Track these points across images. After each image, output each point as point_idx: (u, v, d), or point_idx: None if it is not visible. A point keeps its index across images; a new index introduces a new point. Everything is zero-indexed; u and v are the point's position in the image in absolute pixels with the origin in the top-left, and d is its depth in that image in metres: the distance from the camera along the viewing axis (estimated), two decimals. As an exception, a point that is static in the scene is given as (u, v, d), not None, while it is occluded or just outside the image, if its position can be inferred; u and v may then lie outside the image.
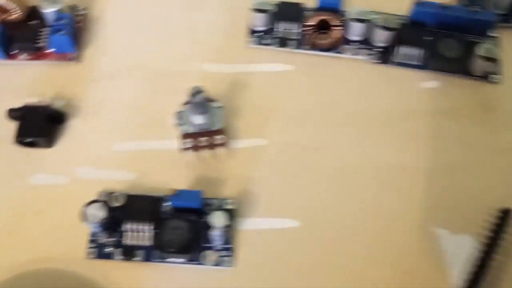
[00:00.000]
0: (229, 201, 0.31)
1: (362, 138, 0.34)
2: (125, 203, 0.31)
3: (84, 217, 0.28)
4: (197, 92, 0.30)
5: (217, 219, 0.28)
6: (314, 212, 0.31)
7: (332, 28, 0.35)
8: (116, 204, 0.31)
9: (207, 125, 0.32)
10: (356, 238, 0.31)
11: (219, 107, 0.33)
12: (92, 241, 0.30)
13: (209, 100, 0.32)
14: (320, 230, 0.31)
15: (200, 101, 0.30)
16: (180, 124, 0.33)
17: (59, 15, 0.35)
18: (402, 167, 0.33)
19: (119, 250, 0.30)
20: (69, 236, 0.30)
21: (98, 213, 0.29)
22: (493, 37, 0.36)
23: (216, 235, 0.29)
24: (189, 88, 0.30)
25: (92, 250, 0.30)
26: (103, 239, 0.30)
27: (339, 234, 0.31)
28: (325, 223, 0.31)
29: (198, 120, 0.32)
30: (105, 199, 0.31)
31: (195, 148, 0.32)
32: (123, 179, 0.32)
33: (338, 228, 0.31)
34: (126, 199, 0.31)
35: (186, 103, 0.33)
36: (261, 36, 0.37)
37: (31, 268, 0.30)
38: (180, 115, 0.33)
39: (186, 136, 0.32)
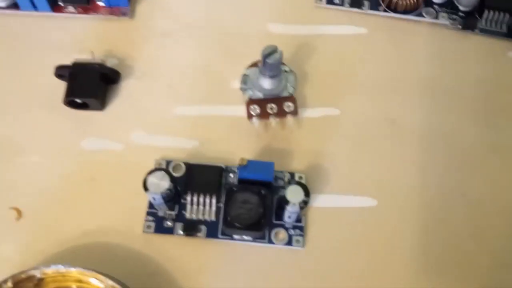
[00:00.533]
0: (300, 175, 0.28)
1: (442, 111, 0.31)
2: (185, 173, 0.28)
3: (146, 187, 0.26)
4: (271, 51, 0.27)
5: (294, 195, 0.26)
6: (392, 190, 0.29)
7: (414, -13, 0.32)
8: (176, 174, 0.28)
9: (276, 91, 0.29)
10: (440, 218, 0.28)
11: (289, 71, 0.29)
12: (150, 213, 0.28)
13: (282, 63, 0.29)
14: (399, 209, 0.28)
15: (274, 63, 0.27)
16: (245, 89, 0.30)
17: (112, -36, 0.32)
18: (489, 144, 0.30)
19: (180, 225, 0.27)
20: (124, 208, 0.28)
21: (161, 182, 0.26)
22: None
23: (290, 211, 0.26)
24: (260, 48, 0.27)
25: (149, 223, 0.27)
26: (163, 212, 0.27)
27: (419, 214, 0.28)
28: (405, 202, 0.28)
29: (267, 84, 0.29)
30: (165, 168, 0.28)
31: (262, 115, 0.29)
32: (182, 146, 0.29)
33: (418, 207, 0.28)
34: (186, 169, 0.28)
35: (252, 65, 0.30)
36: (331, -5, 0.33)
37: (82, 242, 0.27)
38: (245, 79, 0.30)
39: (252, 102, 0.29)
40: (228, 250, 0.27)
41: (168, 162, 0.29)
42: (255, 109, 0.29)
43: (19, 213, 0.28)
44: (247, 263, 0.27)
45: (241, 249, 0.27)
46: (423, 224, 0.28)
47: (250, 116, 0.29)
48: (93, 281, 0.25)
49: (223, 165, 0.28)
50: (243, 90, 0.30)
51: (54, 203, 0.28)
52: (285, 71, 0.30)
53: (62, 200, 0.28)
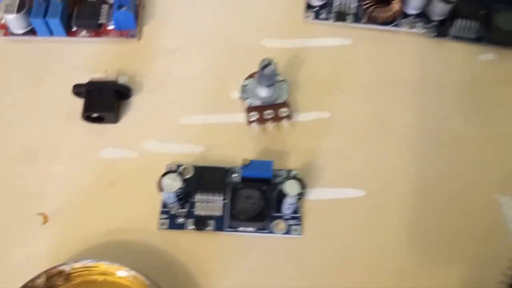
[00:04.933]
0: (296, 172, 0.32)
1: (423, 111, 0.34)
2: (194, 175, 0.31)
3: (161, 187, 0.29)
4: (267, 64, 0.31)
5: (291, 188, 0.29)
6: (379, 182, 0.32)
7: (392, 1, 0.35)
8: (186, 175, 0.31)
9: (272, 98, 0.33)
10: (424, 207, 0.31)
11: (283, 80, 0.33)
12: (163, 212, 0.31)
13: (276, 73, 0.32)
14: (385, 198, 0.31)
15: (270, 73, 0.31)
16: (245, 98, 0.33)
17: (120, -9, 0.35)
18: (469, 137, 0.33)
19: (190, 221, 0.31)
20: (140, 208, 0.31)
21: (174, 183, 0.29)
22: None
23: (288, 203, 0.30)
24: (255, 61, 0.31)
25: (164, 221, 0.31)
26: (175, 210, 0.31)
27: (405, 202, 0.31)
28: (392, 192, 0.32)
29: (264, 93, 0.32)
30: (177, 171, 0.31)
31: (261, 120, 0.33)
32: (190, 152, 0.33)
33: (403, 195, 0.32)
34: (195, 171, 0.32)
35: (251, 76, 0.33)
36: (318, 11, 0.37)
37: (104, 240, 0.30)
38: (244, 89, 0.33)
39: (251, 109, 0.33)
40: (234, 241, 0.31)
41: (178, 166, 0.32)
42: (254, 115, 0.33)
43: (45, 218, 0.31)
44: (251, 251, 0.30)
45: (246, 240, 0.31)
46: (409, 210, 0.31)
47: (249, 122, 0.33)
48: (118, 272, 0.28)
49: (227, 166, 0.32)
50: (242, 98, 0.33)
51: (77, 207, 0.31)
52: (279, 81, 0.33)
53: (84, 204, 0.31)
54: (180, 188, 0.29)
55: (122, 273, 0.28)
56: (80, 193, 0.32)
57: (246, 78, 0.33)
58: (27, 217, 0.31)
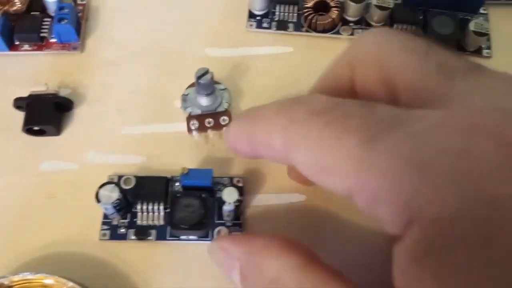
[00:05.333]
0: (237, 178, 0.32)
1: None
2: (135, 185, 0.32)
3: (98, 198, 0.29)
4: (203, 73, 0.31)
5: (229, 195, 0.29)
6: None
7: (332, 9, 0.36)
8: (127, 186, 0.31)
9: (213, 107, 0.33)
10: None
11: (224, 89, 0.33)
12: (104, 223, 0.31)
13: (215, 82, 0.33)
14: (324, 201, 0.32)
15: (206, 83, 0.31)
16: (186, 107, 0.33)
17: (61, 4, 0.36)
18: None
19: (132, 231, 0.31)
20: (82, 220, 0.31)
21: (111, 194, 0.29)
22: (484, 13, 0.37)
23: (228, 210, 0.30)
24: (196, 70, 0.31)
25: (105, 231, 0.31)
26: (116, 220, 0.31)
27: (347, 206, 0.32)
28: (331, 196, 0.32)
29: (204, 101, 0.33)
30: (116, 182, 0.31)
31: (201, 129, 0.33)
32: (132, 162, 0.33)
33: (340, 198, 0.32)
34: (136, 181, 0.32)
35: (191, 85, 0.33)
36: (260, 20, 0.37)
37: (44, 252, 0.30)
38: (185, 98, 0.33)
39: (192, 117, 0.33)
40: (176, 249, 0.31)
41: (120, 177, 0.32)
42: (194, 123, 0.33)
43: (-14, 233, 0.31)
44: (194, 259, 0.30)
45: (188, 248, 0.31)
46: (351, 213, 0.32)
47: (190, 130, 0.33)
48: (56, 284, 0.28)
49: (168, 176, 0.32)
50: (183, 108, 0.33)
51: (17, 220, 0.31)
52: (220, 89, 0.34)
53: (24, 217, 0.31)
54: (118, 199, 0.29)
55: (59, 285, 0.28)
56: (19, 207, 0.32)
57: (187, 88, 0.34)
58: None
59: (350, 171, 0.20)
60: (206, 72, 0.31)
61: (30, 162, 0.33)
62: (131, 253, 0.30)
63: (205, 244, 0.31)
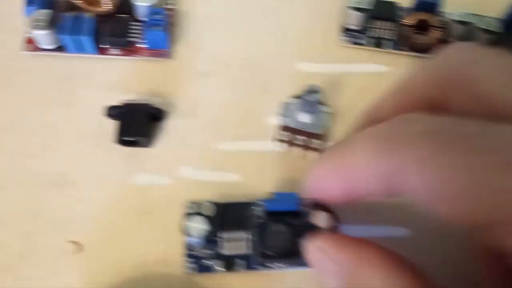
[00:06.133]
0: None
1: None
2: (216, 213, 0.29)
3: (186, 231, 0.28)
4: (313, 91, 0.30)
5: (321, 220, 0.28)
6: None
7: (431, 28, 0.35)
8: (211, 214, 0.29)
9: (310, 126, 0.32)
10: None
11: (328, 112, 0.32)
12: (190, 255, 0.29)
13: (321, 102, 0.31)
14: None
15: (313, 101, 0.30)
16: (284, 116, 0.32)
17: (155, 9, 0.34)
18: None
19: (218, 262, 0.29)
20: (173, 240, 0.30)
21: (201, 226, 0.28)
22: None
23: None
24: (305, 85, 0.30)
25: (192, 265, 0.29)
26: (201, 251, 0.29)
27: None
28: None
29: (303, 118, 0.32)
30: (198, 211, 0.29)
31: (290, 143, 0.32)
32: (221, 180, 0.32)
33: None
34: (216, 208, 0.29)
35: (297, 97, 0.32)
36: (355, 35, 0.36)
37: (139, 272, 0.29)
38: (286, 106, 0.32)
39: (285, 128, 0.32)
40: (266, 279, 0.29)
41: (199, 205, 0.29)
42: (285, 135, 0.32)
43: (79, 246, 0.30)
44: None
45: (278, 276, 0.29)
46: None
47: (279, 140, 0.32)
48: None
49: (252, 200, 0.30)
50: (281, 115, 0.32)
51: (110, 236, 0.30)
52: (324, 112, 0.32)
53: (117, 233, 0.30)
54: (207, 231, 0.28)
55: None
56: (112, 221, 0.31)
57: (293, 97, 0.32)
58: (57, 246, 0.30)
59: (483, 200, 0.18)
60: (316, 90, 0.30)
61: (122, 174, 0.32)
62: (219, 285, 0.29)
63: (297, 271, 0.29)
